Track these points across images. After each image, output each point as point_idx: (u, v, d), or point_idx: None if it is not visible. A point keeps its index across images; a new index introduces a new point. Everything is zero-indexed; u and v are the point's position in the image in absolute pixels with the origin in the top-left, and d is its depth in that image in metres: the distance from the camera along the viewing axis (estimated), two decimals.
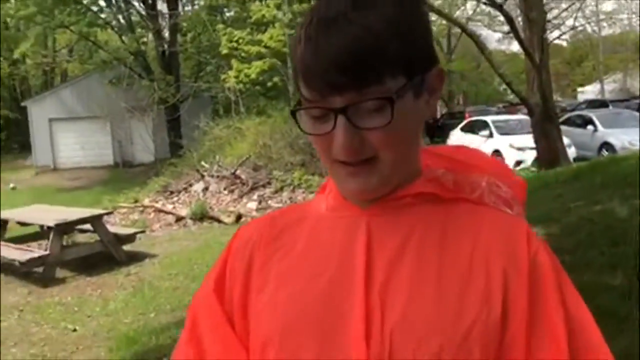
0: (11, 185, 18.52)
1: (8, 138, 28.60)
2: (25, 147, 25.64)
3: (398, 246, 0.74)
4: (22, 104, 24.14)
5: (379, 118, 0.70)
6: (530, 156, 12.43)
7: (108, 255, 7.57)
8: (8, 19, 21.51)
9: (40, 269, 7.02)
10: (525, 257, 0.72)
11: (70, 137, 22.29)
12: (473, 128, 16.05)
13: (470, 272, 0.72)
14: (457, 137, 16.62)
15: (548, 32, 13.35)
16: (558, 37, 16.85)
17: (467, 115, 22.72)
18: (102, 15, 18.98)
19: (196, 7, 22.80)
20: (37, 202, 11.37)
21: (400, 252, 0.74)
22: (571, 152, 12.72)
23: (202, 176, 11.85)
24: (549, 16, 14.71)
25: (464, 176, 0.81)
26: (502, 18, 10.98)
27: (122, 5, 19.86)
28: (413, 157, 0.78)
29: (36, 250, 7.45)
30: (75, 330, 5.30)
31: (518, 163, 13.02)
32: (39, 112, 22.20)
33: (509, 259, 0.72)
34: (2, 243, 7.79)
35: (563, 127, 12.43)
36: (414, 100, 0.73)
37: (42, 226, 7.96)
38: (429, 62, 0.75)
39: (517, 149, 13.39)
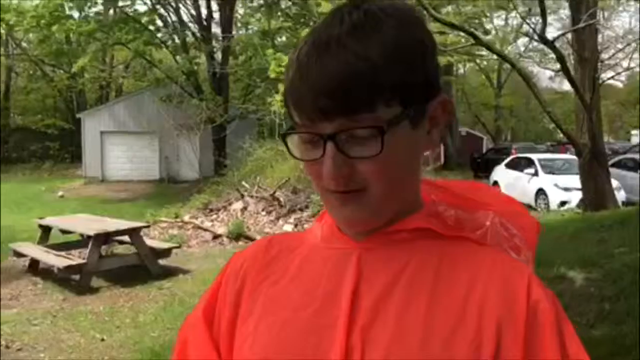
0: (60, 193, 19.11)
1: (61, 148, 29.61)
2: (76, 158, 26.49)
3: (387, 284, 0.71)
4: (77, 115, 25.01)
5: (369, 147, 0.67)
6: (576, 197, 12.09)
7: (143, 268, 7.68)
8: (71, 34, 22.47)
9: (77, 277, 7.17)
10: (523, 307, 0.68)
11: (119, 151, 22.93)
12: (518, 165, 15.77)
13: (462, 318, 0.68)
14: (501, 173, 16.35)
15: (601, 72, 13.05)
16: (612, 78, 16.45)
17: (513, 151, 22.36)
18: (159, 35, 19.60)
19: (249, 31, 23.32)
20: (83, 211, 11.68)
21: (388, 290, 0.70)
22: (620, 195, 12.31)
23: (242, 196, 11.97)
24: (604, 56, 14.40)
25: (468, 213, 0.77)
26: (553, 55, 10.79)
27: (178, 26, 20.48)
28: (409, 189, 0.74)
29: (75, 258, 7.63)
30: (103, 339, 5.37)
31: (563, 203, 12.70)
32: (92, 125, 22.95)
33: (505, 309, 0.68)
34: (44, 249, 8.02)
35: (613, 170, 12.07)
36: (411, 130, 0.69)
37: (82, 235, 8.16)
38: (429, 92, 0.71)
39: (562, 189, 13.06)
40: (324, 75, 0.66)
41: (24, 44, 31.11)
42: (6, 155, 29.64)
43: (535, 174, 14.47)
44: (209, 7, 21.85)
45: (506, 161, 17.08)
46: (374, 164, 0.67)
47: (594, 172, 10.53)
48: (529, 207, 13.48)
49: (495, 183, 16.32)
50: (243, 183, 12.60)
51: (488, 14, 27.36)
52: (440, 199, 0.78)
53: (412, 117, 0.69)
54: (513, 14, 27.87)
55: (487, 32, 24.36)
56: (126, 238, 7.93)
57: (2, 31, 28.16)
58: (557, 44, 10.36)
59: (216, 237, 10.35)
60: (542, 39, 9.49)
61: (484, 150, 30.80)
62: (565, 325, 0.69)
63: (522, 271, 0.71)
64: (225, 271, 0.85)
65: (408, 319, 0.68)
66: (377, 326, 0.68)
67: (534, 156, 16.22)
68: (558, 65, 10.53)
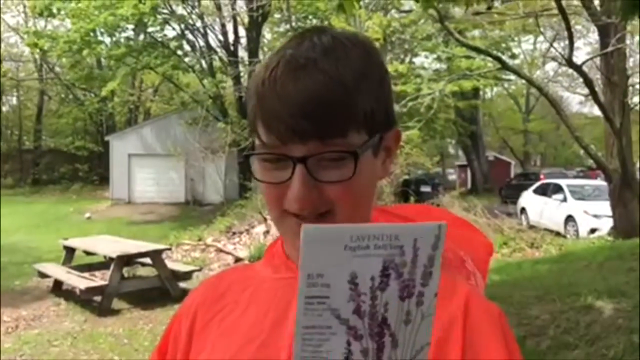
0: (87, 215, 19.37)
1: (90, 170, 30.18)
2: (104, 180, 26.92)
3: None
4: (106, 138, 25.47)
5: (339, 171, 0.67)
6: (606, 225, 11.78)
7: (164, 290, 7.68)
8: (101, 59, 23.03)
9: (98, 298, 7.20)
10: (460, 327, 0.66)
11: (146, 173, 23.21)
12: (546, 191, 15.48)
13: None
14: (528, 199, 16.08)
15: (632, 96, 12.83)
16: None
17: (542, 177, 22.04)
18: (186, 59, 19.95)
19: None
20: (108, 233, 11.79)
21: None
22: None
23: (265, 219, 11.95)
24: (634, 80, 14.17)
25: None
26: (582, 80, 10.65)
27: (206, 50, 20.82)
28: (365, 215, 0.74)
29: (98, 279, 7.67)
30: None
31: (593, 231, 12.39)
32: (120, 147, 23.32)
33: (441, 331, 0.65)
34: (67, 270, 8.09)
35: None
36: (373, 158, 0.71)
37: (105, 256, 8.21)
38: (389, 122, 0.73)
39: (592, 215, 12.75)
40: (301, 96, 0.65)
41: (57, 69, 31.99)
42: (37, 177, 30.31)
43: (564, 200, 14.18)
44: (235, 32, 22.21)
45: (534, 187, 16.80)
46: (342, 188, 0.68)
47: (624, 198, 10.28)
48: (558, 234, 13.20)
49: (523, 209, 16.05)
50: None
51: (516, 39, 27.27)
52: (388, 222, 0.78)
53: (374, 146, 0.70)
54: (541, 38, 27.74)
55: (514, 56, 24.28)
56: (148, 260, 7.95)
57: (37, 56, 29.08)
58: (586, 69, 10.24)
59: (238, 260, 10.32)
60: (570, 64, 9.37)
61: (512, 176, 30.45)
62: (510, 339, 0.68)
63: (461, 288, 0.71)
64: (178, 311, 0.84)
65: None
66: None
67: (563, 182, 15.92)
68: (587, 90, 10.38)
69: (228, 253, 10.79)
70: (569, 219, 13.45)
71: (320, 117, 0.65)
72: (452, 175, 36.16)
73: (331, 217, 0.69)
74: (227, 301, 0.79)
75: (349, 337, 0.47)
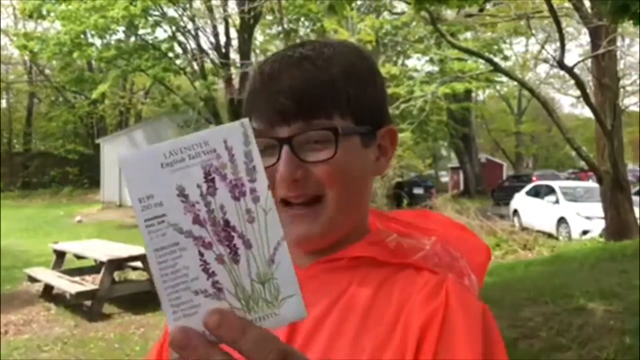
0: (77, 218, 19.25)
1: (81, 173, 30.01)
2: (95, 183, 26.78)
3: (324, 311, 0.71)
4: (97, 141, 25.34)
5: (323, 152, 0.70)
6: (598, 226, 11.82)
7: (156, 294, 7.54)
8: (92, 61, 22.92)
9: (89, 303, 7.13)
10: (440, 315, 0.67)
11: None
12: (539, 193, 15.53)
13: (390, 337, 0.67)
14: (521, 201, 16.12)
15: (624, 98, 12.89)
16: (635, 104, 16.29)
17: (534, 178, 22.11)
18: (178, 62, 19.87)
19: None
20: (99, 236, 11.72)
21: (323, 317, 0.71)
22: None
23: None
24: (625, 82, 14.25)
25: (410, 240, 0.77)
26: (574, 82, 10.69)
27: (197, 53, 20.76)
28: (358, 210, 0.76)
29: (88, 283, 7.61)
30: None
31: (585, 232, 12.43)
32: (111, 150, 23.21)
33: (426, 317, 0.67)
34: (57, 274, 8.01)
35: (637, 198, 11.81)
36: (362, 148, 0.74)
37: (96, 260, 8.14)
38: (379, 119, 0.77)
39: (584, 217, 12.80)
40: (286, 79, 0.71)
41: (47, 71, 31.81)
42: (27, 180, 30.12)
43: (557, 202, 14.23)
44: (227, 34, 22.16)
45: (526, 189, 16.84)
46: (329, 169, 0.70)
47: (616, 200, 10.31)
48: (550, 235, 13.24)
49: (516, 211, 16.09)
50: None
51: (507, 41, 27.38)
52: (385, 227, 0.80)
53: (363, 135, 0.73)
54: (533, 40, 27.86)
55: (506, 58, 24.36)
56: (139, 264, 7.89)
57: (26, 59, 28.91)
58: (577, 71, 10.27)
59: None
60: (561, 66, 9.39)
61: (504, 178, 30.55)
62: (491, 336, 0.68)
63: (444, 281, 0.71)
64: None
65: (337, 344, 0.68)
66: (310, 349, 0.69)
67: (555, 184, 15.97)
68: (578, 92, 10.42)
69: None
70: (561, 220, 13.49)
71: (302, 97, 0.69)
72: (445, 178, 36.24)
73: (320, 204, 0.71)
74: None
75: (198, 248, 0.48)
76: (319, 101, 0.70)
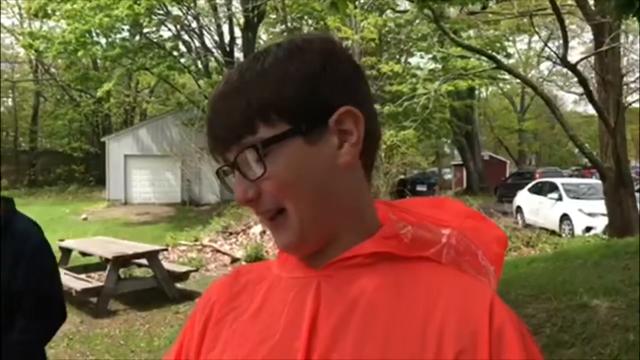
0: (83, 216, 19.31)
1: (86, 171, 30.11)
2: (100, 181, 26.85)
3: (345, 312, 0.69)
4: (102, 139, 25.41)
5: (259, 168, 0.70)
6: (601, 223, 11.82)
7: (161, 291, 7.67)
8: (97, 60, 22.98)
9: (95, 300, 7.18)
10: (485, 337, 0.65)
11: (142, 174, 23.15)
12: (541, 190, 15.52)
13: (421, 346, 0.65)
14: (524, 198, 16.12)
15: (627, 95, 12.87)
16: (637, 101, 16.29)
17: (537, 175, 22.07)
18: (182, 60, 19.91)
19: None
20: (105, 234, 11.77)
21: (346, 319, 0.69)
22: None
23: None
24: (628, 79, 14.21)
25: (426, 231, 0.75)
26: (577, 79, 10.68)
27: (201, 51, 20.80)
28: (335, 208, 0.73)
29: (94, 280, 7.66)
30: None
31: (588, 229, 12.42)
32: (116, 148, 23.26)
33: (464, 340, 0.65)
34: (63, 271, 8.06)
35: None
36: (307, 146, 0.70)
37: (101, 257, 8.20)
38: (325, 108, 0.71)
39: (587, 214, 12.79)
40: (213, 114, 0.73)
41: (52, 70, 31.89)
42: (33, 178, 30.23)
43: (559, 198, 14.22)
44: (231, 33, 22.19)
45: (529, 186, 16.84)
46: (271, 182, 0.70)
47: (619, 197, 10.31)
48: (553, 232, 13.24)
49: (519, 208, 16.09)
50: None
51: (510, 38, 27.33)
52: (399, 218, 0.77)
53: (304, 134, 0.70)
54: (536, 37, 27.78)
55: (509, 56, 24.32)
56: (144, 261, 7.94)
57: (32, 57, 29.00)
58: (581, 68, 10.26)
59: (234, 260, 10.32)
60: (564, 63, 9.40)
61: (507, 175, 30.50)
62: (532, 349, 0.67)
63: (483, 295, 0.69)
64: (196, 307, 0.85)
65: (365, 348, 0.66)
66: (334, 357, 0.67)
67: (558, 180, 15.96)
68: (581, 89, 10.41)
69: (225, 253, 10.79)
70: (564, 217, 13.49)
71: (224, 125, 0.72)
72: (448, 175, 36.23)
73: (283, 216, 0.72)
74: (242, 300, 0.79)
75: None
76: (237, 121, 0.70)
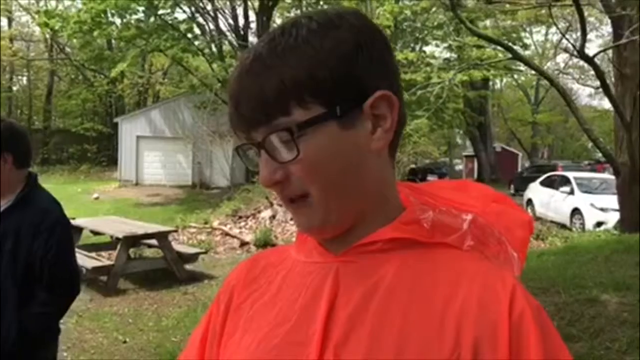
0: (95, 195, 19.46)
1: (99, 151, 30.28)
2: (112, 161, 27.01)
3: (363, 297, 0.69)
4: (115, 120, 25.51)
5: (291, 151, 0.67)
6: (612, 218, 11.74)
7: (170, 272, 7.72)
8: (112, 40, 22.98)
9: (104, 278, 7.25)
10: (505, 325, 0.63)
11: (154, 155, 23.26)
12: (553, 183, 15.42)
13: (439, 334, 0.64)
14: (535, 191, 16.03)
15: None
16: None
17: (559, 168, 21.85)
18: (196, 43, 19.84)
19: None
20: (116, 213, 11.85)
21: (364, 304, 0.68)
22: None
23: (271, 204, 11.98)
24: None
25: (448, 216, 0.74)
26: (593, 72, 10.54)
27: (216, 34, 20.73)
28: (361, 193, 0.71)
29: (104, 259, 7.72)
30: (125, 342, 5.40)
31: (599, 224, 12.35)
32: (129, 129, 23.36)
33: (483, 328, 0.64)
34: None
35: None
36: (341, 131, 0.68)
37: (112, 237, 8.26)
38: (361, 91, 0.69)
39: (599, 209, 12.71)
40: (241, 90, 0.69)
41: (67, 49, 31.98)
42: (46, 157, 30.46)
43: (571, 192, 14.13)
44: (246, 16, 22.09)
45: (541, 179, 16.72)
46: (301, 167, 0.68)
47: (632, 192, 10.21)
48: (563, 226, 13.17)
49: (530, 201, 16.01)
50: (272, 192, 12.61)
51: (527, 29, 27.04)
52: (420, 202, 0.76)
53: (339, 117, 0.67)
54: (553, 29, 27.47)
55: (526, 47, 24.06)
56: (155, 242, 7.99)
57: (47, 36, 29.09)
58: (598, 61, 10.12)
59: (243, 244, 10.36)
60: (582, 55, 9.27)
61: (519, 168, 30.32)
62: (552, 339, 0.65)
63: (504, 282, 0.67)
64: (219, 291, 0.86)
65: (382, 335, 0.66)
66: (351, 343, 0.66)
67: (570, 174, 15.85)
68: (598, 82, 10.29)
69: (234, 237, 10.83)
70: (575, 211, 13.41)
71: (256, 103, 0.67)
72: (459, 166, 36.09)
73: (307, 200, 0.70)
74: (261, 283, 0.79)
75: None
76: (271, 102, 0.66)
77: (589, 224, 12.68)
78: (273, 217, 11.58)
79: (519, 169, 29.67)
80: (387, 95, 0.70)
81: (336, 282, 0.71)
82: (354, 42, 0.69)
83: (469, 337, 0.63)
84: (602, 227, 12.02)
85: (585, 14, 10.10)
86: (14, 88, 34.46)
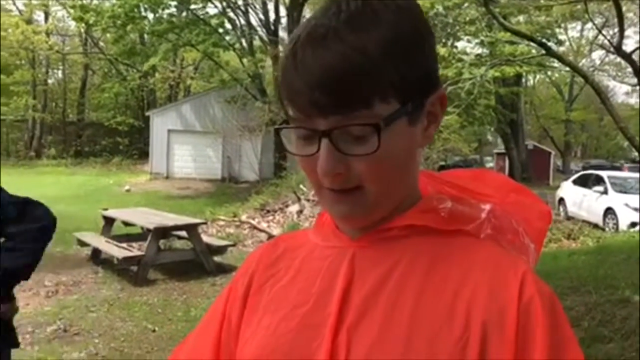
0: (126, 187, 19.79)
1: (130, 144, 30.78)
2: (143, 154, 27.43)
3: (378, 282, 0.69)
4: (147, 113, 25.87)
5: (365, 145, 0.65)
6: None
7: (199, 263, 7.82)
8: (145, 34, 23.30)
9: (135, 268, 7.38)
10: (514, 310, 0.64)
11: (184, 149, 23.53)
12: (587, 182, 15.12)
13: (450, 317, 0.65)
14: (568, 190, 15.74)
15: None
16: None
17: (625, 169, 21.21)
18: (227, 37, 20.00)
19: None
20: (146, 205, 12.03)
21: (378, 289, 0.69)
22: None
23: (299, 199, 12.03)
24: None
25: (465, 206, 0.74)
26: (631, 69, 10.32)
27: (246, 29, 20.85)
28: (404, 186, 0.72)
29: (135, 250, 7.86)
30: (154, 330, 5.49)
31: (633, 225, 12.07)
32: (160, 123, 23.67)
33: (493, 311, 0.64)
34: (106, 240, 8.30)
35: None
36: (408, 127, 0.67)
37: (142, 228, 8.39)
38: (428, 87, 0.69)
39: (632, 209, 12.42)
40: (319, 68, 0.63)
41: (101, 43, 32.53)
42: (79, 149, 31.11)
43: (605, 192, 13.84)
44: (277, 11, 22.16)
45: (574, 177, 16.42)
46: (370, 162, 0.66)
47: None
48: (596, 226, 12.92)
49: (562, 200, 15.74)
50: (301, 186, 12.66)
51: (562, 25, 26.53)
52: (438, 191, 0.76)
53: (409, 114, 0.67)
54: (589, 25, 26.91)
55: (560, 43, 23.61)
56: (184, 233, 8.10)
57: (82, 30, 29.62)
58: (635, 58, 9.89)
59: (271, 237, 10.41)
60: (619, 52, 9.07)
61: (551, 166, 29.79)
62: (561, 326, 0.65)
63: (516, 268, 0.67)
64: (236, 274, 0.87)
65: (394, 317, 0.66)
66: (364, 325, 0.67)
67: (604, 173, 15.51)
68: (635, 80, 10.06)
69: (262, 230, 10.91)
70: (609, 211, 13.13)
71: (337, 90, 0.62)
72: (490, 163, 35.64)
73: (360, 192, 0.68)
74: (280, 267, 0.80)
75: None
76: (355, 92, 0.63)
77: (623, 224, 12.41)
78: (300, 211, 11.62)
79: (554, 168, 29.11)
80: (444, 95, 0.71)
81: (352, 267, 0.72)
82: (426, 31, 0.69)
83: (478, 320, 0.64)
84: (636, 228, 11.75)
85: (624, 9, 9.86)
86: (50, 81, 35.21)
